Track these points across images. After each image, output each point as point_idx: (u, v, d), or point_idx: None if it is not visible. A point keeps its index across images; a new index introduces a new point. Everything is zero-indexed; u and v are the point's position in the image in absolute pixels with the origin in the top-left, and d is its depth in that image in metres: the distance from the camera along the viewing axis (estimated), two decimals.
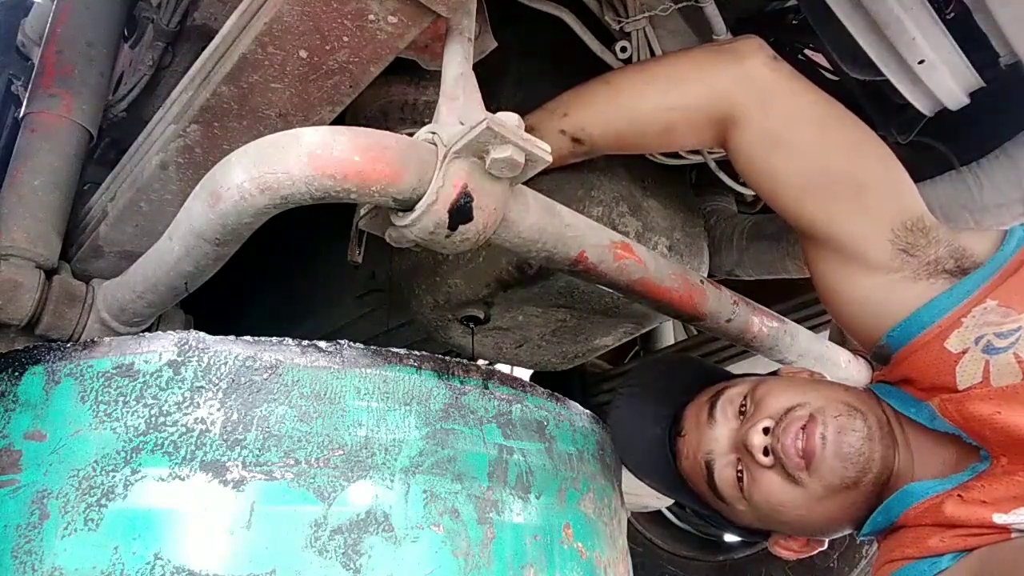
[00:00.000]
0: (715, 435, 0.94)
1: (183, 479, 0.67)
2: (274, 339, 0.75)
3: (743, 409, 0.94)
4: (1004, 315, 0.83)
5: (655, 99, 0.99)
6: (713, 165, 1.28)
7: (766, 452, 0.88)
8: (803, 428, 0.86)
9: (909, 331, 0.89)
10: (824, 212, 0.95)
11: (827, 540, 0.98)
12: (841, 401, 0.89)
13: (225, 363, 0.72)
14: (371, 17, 0.76)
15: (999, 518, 0.76)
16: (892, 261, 0.92)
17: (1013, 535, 0.76)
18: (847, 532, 0.95)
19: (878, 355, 0.96)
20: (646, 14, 1.11)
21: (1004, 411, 0.76)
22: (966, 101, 1.15)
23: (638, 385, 1.10)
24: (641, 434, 1.03)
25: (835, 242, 0.95)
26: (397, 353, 0.78)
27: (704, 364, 1.18)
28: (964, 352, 0.84)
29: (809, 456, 0.85)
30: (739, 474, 0.91)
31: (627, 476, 1.05)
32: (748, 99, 0.95)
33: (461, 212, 0.73)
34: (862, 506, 0.87)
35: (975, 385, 0.82)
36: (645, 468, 1.04)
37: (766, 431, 0.88)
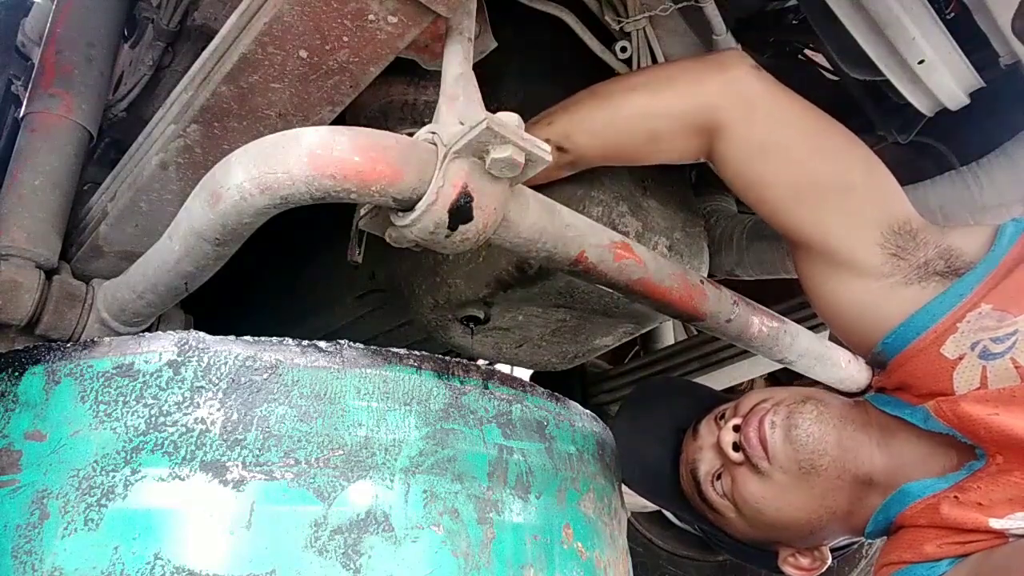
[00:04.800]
0: (699, 445, 0.98)
1: (183, 479, 0.68)
2: (274, 339, 0.75)
3: (722, 419, 0.97)
4: (999, 319, 0.83)
5: (640, 106, 0.99)
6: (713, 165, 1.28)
7: (736, 448, 0.92)
8: (762, 419, 0.90)
9: (904, 337, 0.89)
10: (812, 218, 0.95)
11: (830, 554, 0.98)
12: (802, 394, 0.93)
13: (225, 363, 0.72)
14: (371, 17, 0.76)
15: (995, 523, 0.76)
16: (883, 266, 0.92)
17: (1009, 540, 0.76)
18: (845, 536, 0.96)
19: (874, 362, 0.97)
20: (646, 14, 1.12)
21: (1002, 412, 0.76)
22: (966, 101, 1.16)
23: (645, 408, 1.12)
24: (649, 460, 1.05)
25: (824, 248, 0.96)
26: (397, 353, 0.78)
27: (714, 393, 1.20)
28: (961, 358, 0.84)
29: (763, 443, 0.89)
30: (717, 472, 0.95)
31: None
32: (733, 107, 0.96)
33: (461, 212, 0.73)
34: (843, 502, 0.88)
35: (973, 390, 0.82)
36: (657, 495, 1.08)
37: (736, 429, 0.93)
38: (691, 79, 0.99)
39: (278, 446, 0.69)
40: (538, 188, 1.04)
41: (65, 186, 1.05)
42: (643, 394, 1.21)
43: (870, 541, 0.94)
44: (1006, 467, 0.77)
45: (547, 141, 1.01)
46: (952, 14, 1.06)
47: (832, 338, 1.31)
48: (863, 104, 1.30)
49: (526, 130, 1.01)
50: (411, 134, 0.76)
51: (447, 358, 0.81)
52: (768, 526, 0.92)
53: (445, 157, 0.72)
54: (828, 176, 0.95)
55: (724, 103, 0.96)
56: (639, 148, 1.03)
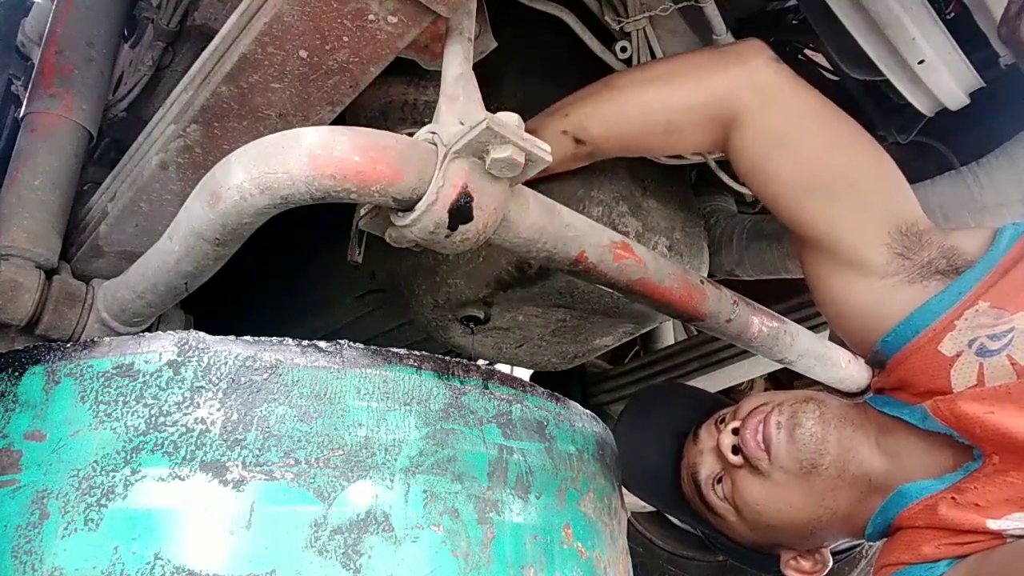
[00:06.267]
0: (699, 449, 0.98)
1: (183, 479, 0.68)
2: (274, 339, 0.75)
3: (722, 423, 0.97)
4: (996, 317, 0.83)
5: (658, 97, 0.99)
6: (713, 165, 1.28)
7: (735, 451, 0.92)
8: (763, 420, 0.90)
9: (903, 336, 0.90)
10: (823, 213, 0.96)
11: (831, 556, 0.99)
12: (803, 395, 0.94)
13: (225, 363, 0.72)
14: (371, 17, 0.76)
15: (993, 524, 0.76)
16: (887, 265, 0.92)
17: (1007, 540, 0.76)
18: (846, 538, 0.96)
19: (874, 361, 0.97)
20: (646, 14, 1.12)
21: (997, 411, 0.77)
22: (966, 101, 1.16)
23: (645, 413, 1.13)
24: (651, 464, 1.06)
25: (831, 244, 0.96)
26: (397, 353, 0.78)
27: (714, 397, 1.20)
28: (958, 355, 0.84)
29: (767, 443, 0.89)
30: (718, 476, 0.95)
31: None
32: (751, 99, 0.96)
33: (461, 212, 0.73)
34: (843, 503, 0.88)
35: (970, 387, 0.82)
36: (658, 499, 1.09)
37: (735, 432, 0.93)
38: (709, 70, 0.99)
39: (278, 446, 0.69)
40: (543, 183, 1.04)
41: (65, 186, 1.05)
42: (644, 399, 1.21)
43: (871, 543, 0.94)
44: (1002, 467, 0.77)
45: (564, 132, 1.01)
46: (952, 14, 1.06)
47: (832, 338, 1.31)
48: (863, 104, 1.30)
49: (541, 121, 1.02)
50: (411, 134, 0.76)
51: (447, 358, 0.81)
52: (768, 528, 0.92)
53: (445, 157, 0.72)
54: (841, 171, 0.95)
55: (743, 94, 0.96)
56: (656, 139, 1.03)
